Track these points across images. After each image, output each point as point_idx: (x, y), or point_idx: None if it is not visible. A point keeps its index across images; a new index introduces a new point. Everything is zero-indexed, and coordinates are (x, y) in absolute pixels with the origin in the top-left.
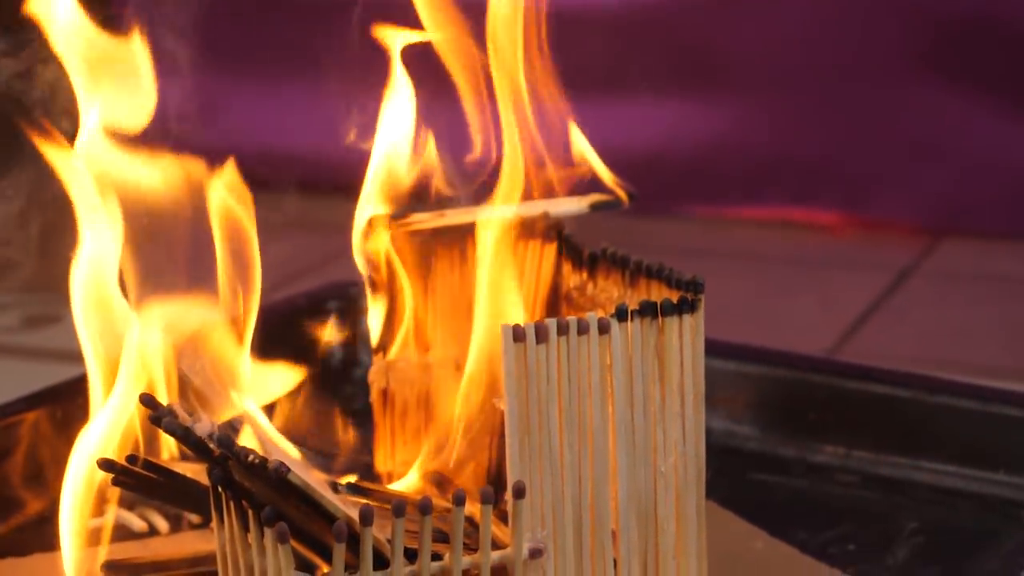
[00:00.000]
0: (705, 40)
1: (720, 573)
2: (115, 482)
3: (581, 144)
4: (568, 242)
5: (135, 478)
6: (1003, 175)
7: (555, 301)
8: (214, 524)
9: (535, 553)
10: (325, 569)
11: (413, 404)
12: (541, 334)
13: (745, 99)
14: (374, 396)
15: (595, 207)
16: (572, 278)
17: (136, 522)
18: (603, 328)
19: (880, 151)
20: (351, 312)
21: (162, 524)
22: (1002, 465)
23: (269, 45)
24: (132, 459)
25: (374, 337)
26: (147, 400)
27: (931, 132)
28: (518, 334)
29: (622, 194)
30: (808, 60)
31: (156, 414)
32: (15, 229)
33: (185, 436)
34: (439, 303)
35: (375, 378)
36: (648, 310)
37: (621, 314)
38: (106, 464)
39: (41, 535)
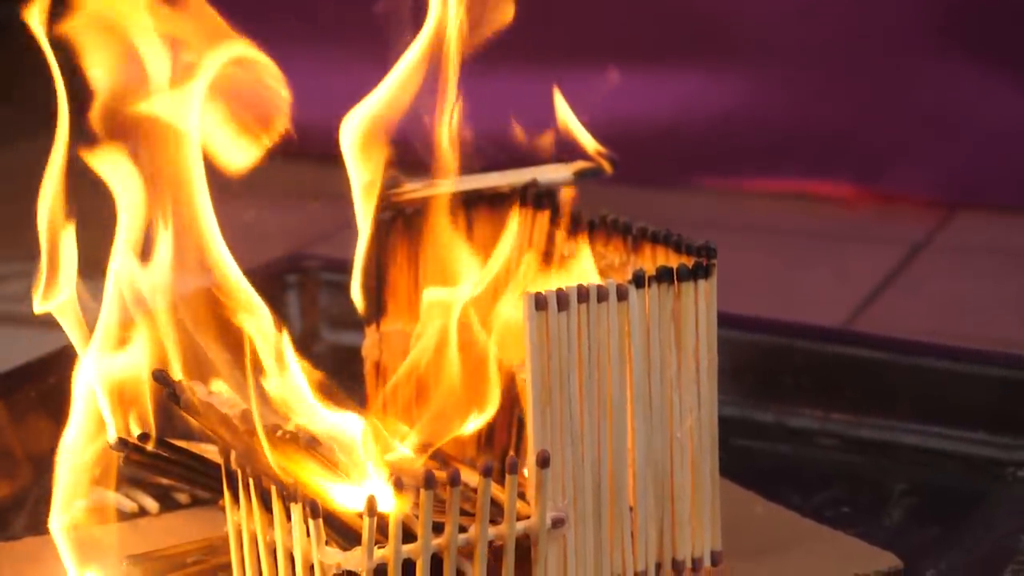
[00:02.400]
0: (720, 11)
1: (727, 538)
2: (127, 460)
3: (564, 113)
4: (561, 209)
5: (148, 456)
6: (1018, 148)
7: (548, 269)
8: (226, 503)
9: (558, 522)
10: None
11: (404, 376)
12: (562, 301)
13: (760, 71)
14: (368, 369)
15: (579, 175)
16: (566, 245)
17: (125, 503)
18: (621, 295)
19: (895, 124)
20: (309, 286)
21: (151, 504)
22: (982, 425)
23: (283, 13)
24: (144, 437)
25: (369, 309)
26: (160, 377)
27: (946, 105)
28: (540, 302)
29: (604, 163)
30: (824, 32)
31: (172, 391)
32: (22, 198)
33: (207, 414)
34: (429, 273)
35: (369, 351)
36: (665, 276)
37: (639, 280)
38: (119, 443)
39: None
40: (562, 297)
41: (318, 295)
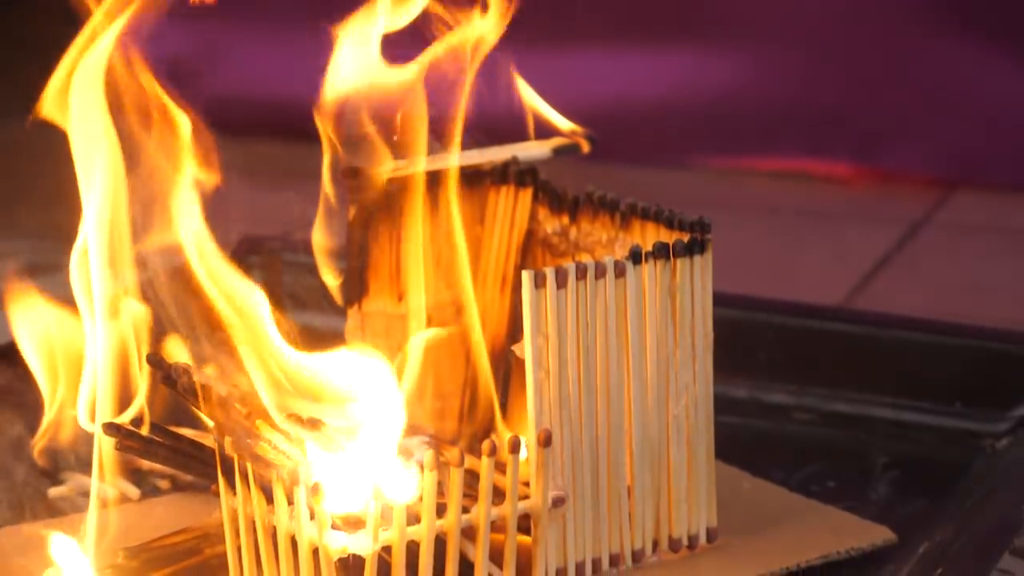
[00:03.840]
0: None
1: (718, 515)
2: (119, 446)
3: (530, 95)
4: (545, 187)
5: (141, 441)
6: (1017, 126)
7: (530, 247)
8: (221, 488)
9: (558, 502)
10: None
11: (387, 356)
12: (561, 279)
13: (758, 49)
14: None
15: (557, 151)
16: (550, 223)
17: (106, 489)
18: (619, 271)
19: (893, 102)
20: (272, 267)
21: (132, 491)
22: (957, 397)
23: None
24: (138, 423)
25: (352, 290)
26: (154, 360)
27: (945, 83)
28: (539, 280)
29: (581, 140)
30: (823, 10)
31: (168, 374)
32: (17, 177)
33: (204, 396)
34: (409, 252)
35: (352, 333)
36: (662, 251)
37: (636, 256)
38: (110, 428)
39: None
40: (561, 274)
41: (280, 277)
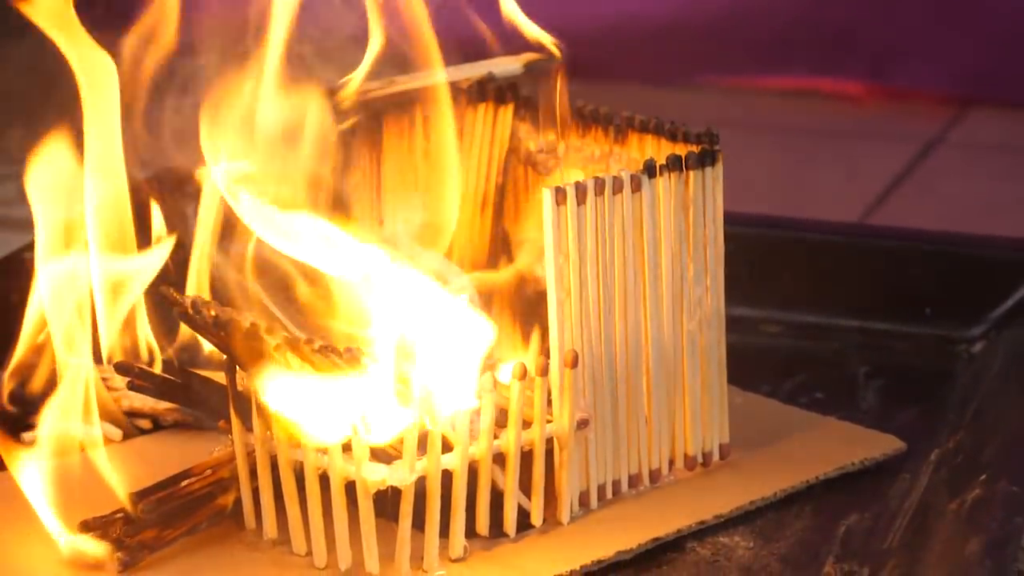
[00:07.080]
0: None
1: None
2: (131, 386)
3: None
4: (527, 103)
5: (152, 381)
6: None
7: (511, 166)
8: (235, 426)
9: (582, 424)
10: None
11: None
12: (580, 195)
13: None
14: None
15: (530, 66)
16: (533, 140)
17: (90, 431)
18: (635, 185)
19: (906, 19)
20: None
21: (114, 431)
22: (928, 302)
23: None
24: (150, 361)
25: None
26: (167, 295)
27: None
28: (560, 197)
29: (555, 51)
30: None
31: (185, 310)
32: (16, 100)
33: (225, 330)
34: (390, 173)
35: None
36: (675, 164)
37: (651, 170)
38: (121, 367)
39: None
40: (580, 190)
41: None
